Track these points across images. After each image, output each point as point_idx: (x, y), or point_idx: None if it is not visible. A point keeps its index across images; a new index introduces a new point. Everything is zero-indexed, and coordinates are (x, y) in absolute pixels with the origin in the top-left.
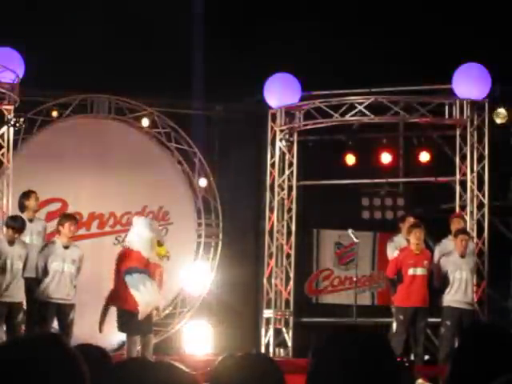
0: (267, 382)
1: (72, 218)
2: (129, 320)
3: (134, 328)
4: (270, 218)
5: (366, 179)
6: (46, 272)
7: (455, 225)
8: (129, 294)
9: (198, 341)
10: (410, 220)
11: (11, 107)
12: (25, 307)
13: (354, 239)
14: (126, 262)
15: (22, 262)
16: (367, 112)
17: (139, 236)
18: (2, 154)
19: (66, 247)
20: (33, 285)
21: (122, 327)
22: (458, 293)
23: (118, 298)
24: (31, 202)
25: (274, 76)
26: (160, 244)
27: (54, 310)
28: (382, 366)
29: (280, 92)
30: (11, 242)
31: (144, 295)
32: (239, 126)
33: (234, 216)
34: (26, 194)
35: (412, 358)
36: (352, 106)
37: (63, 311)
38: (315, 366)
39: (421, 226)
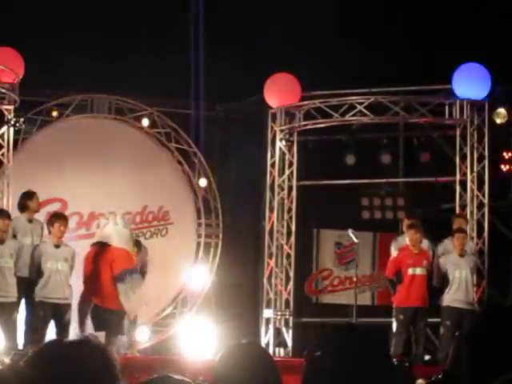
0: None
1: (62, 217)
2: (119, 320)
3: (110, 327)
4: (270, 218)
5: (365, 179)
6: (40, 272)
7: (455, 225)
8: (101, 292)
9: (198, 341)
10: (406, 221)
11: (11, 107)
12: (23, 307)
13: (354, 239)
14: (116, 264)
15: (13, 259)
16: (367, 112)
17: (120, 233)
18: (2, 154)
19: (57, 246)
20: (29, 285)
21: (98, 325)
22: (458, 292)
23: (90, 296)
24: (33, 203)
25: (274, 76)
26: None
27: (52, 310)
28: (376, 365)
29: (280, 92)
30: (1, 241)
31: (132, 303)
32: (239, 126)
33: (234, 216)
34: (29, 195)
35: (412, 357)
36: (352, 106)
37: (60, 311)
38: (311, 365)
39: (416, 227)
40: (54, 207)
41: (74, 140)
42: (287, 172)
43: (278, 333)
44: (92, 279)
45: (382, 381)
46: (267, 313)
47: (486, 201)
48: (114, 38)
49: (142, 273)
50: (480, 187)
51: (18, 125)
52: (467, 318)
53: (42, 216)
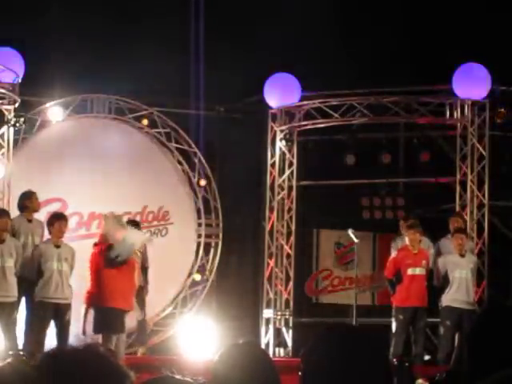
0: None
1: (62, 217)
2: (104, 318)
3: (109, 326)
4: (270, 218)
5: (365, 179)
6: (40, 272)
7: (453, 224)
8: (104, 291)
9: (198, 341)
10: (402, 223)
11: (11, 107)
12: (23, 307)
13: (354, 239)
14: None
15: (14, 259)
16: (367, 112)
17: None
18: (2, 154)
19: (57, 246)
20: (29, 285)
21: (97, 326)
22: (459, 292)
23: (95, 296)
24: (33, 203)
25: (274, 76)
26: None
27: (52, 310)
28: (373, 365)
29: (280, 92)
30: (1, 240)
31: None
32: (239, 126)
33: (234, 216)
34: (28, 195)
35: (412, 357)
36: (352, 106)
37: (60, 311)
38: (307, 365)
39: (415, 227)
40: (54, 207)
41: (73, 140)
42: (287, 172)
43: (277, 333)
44: (93, 278)
45: (378, 381)
46: (267, 313)
47: (486, 201)
48: (114, 38)
49: (145, 269)
50: (480, 187)
51: (17, 125)
52: (467, 318)
53: (42, 216)
